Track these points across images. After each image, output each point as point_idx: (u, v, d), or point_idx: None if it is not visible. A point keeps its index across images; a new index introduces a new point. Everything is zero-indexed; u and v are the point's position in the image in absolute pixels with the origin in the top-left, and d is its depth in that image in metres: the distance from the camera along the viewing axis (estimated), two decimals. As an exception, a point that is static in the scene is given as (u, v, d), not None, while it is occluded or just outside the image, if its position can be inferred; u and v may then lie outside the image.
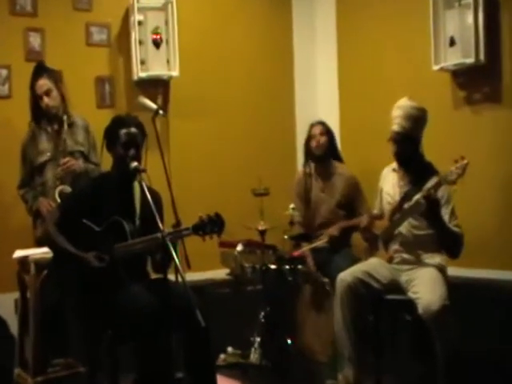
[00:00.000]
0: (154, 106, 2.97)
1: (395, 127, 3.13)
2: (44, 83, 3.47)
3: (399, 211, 3.12)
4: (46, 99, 3.45)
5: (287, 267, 3.44)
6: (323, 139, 3.87)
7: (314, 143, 3.87)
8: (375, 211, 3.41)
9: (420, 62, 3.93)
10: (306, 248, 3.64)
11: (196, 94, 4.34)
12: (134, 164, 2.68)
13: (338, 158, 4.01)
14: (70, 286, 2.67)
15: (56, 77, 3.56)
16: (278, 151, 4.63)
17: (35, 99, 3.48)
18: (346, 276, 3.06)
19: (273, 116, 4.64)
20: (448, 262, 3.13)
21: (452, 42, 3.67)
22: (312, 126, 3.95)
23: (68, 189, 3.41)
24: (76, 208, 2.73)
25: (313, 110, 4.66)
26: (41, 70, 3.52)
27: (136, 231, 2.69)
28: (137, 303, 2.51)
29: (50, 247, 2.78)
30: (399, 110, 3.14)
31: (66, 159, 3.45)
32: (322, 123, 3.94)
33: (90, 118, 3.68)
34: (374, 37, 4.31)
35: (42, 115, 3.51)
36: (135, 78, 4.08)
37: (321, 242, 3.69)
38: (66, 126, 3.48)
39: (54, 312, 3.04)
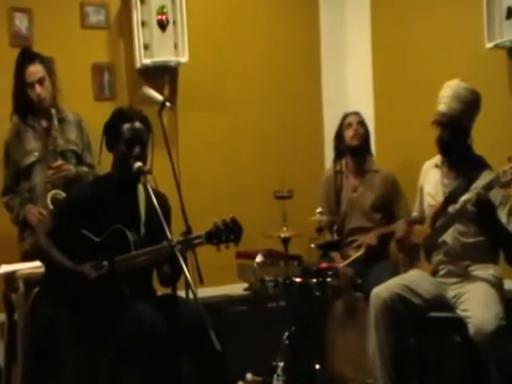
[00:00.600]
0: (159, 97, 2.96)
1: (441, 107, 3.05)
2: (37, 70, 3.45)
3: (443, 215, 3.06)
4: (38, 88, 3.42)
5: (314, 281, 3.42)
6: (361, 129, 3.88)
7: (350, 132, 3.87)
8: (414, 213, 3.36)
9: (470, 40, 3.81)
10: (343, 264, 3.64)
11: (209, 82, 4.32)
12: (138, 164, 2.68)
13: (371, 155, 4.00)
14: (64, 305, 2.66)
15: (49, 65, 3.54)
16: (304, 148, 4.60)
17: (22, 89, 3.45)
18: (381, 291, 3.03)
19: (297, 108, 4.59)
20: (504, 274, 3.06)
21: (509, 14, 3.55)
22: (347, 115, 3.94)
23: (62, 194, 3.39)
24: (71, 216, 2.72)
25: (342, 101, 4.60)
26: (30, 55, 3.49)
27: (140, 241, 2.69)
28: (141, 322, 2.50)
29: (42, 261, 2.78)
30: (448, 89, 3.06)
31: (59, 163, 3.44)
32: (358, 113, 3.95)
33: (87, 112, 3.67)
34: (414, 11, 4.21)
35: (28, 108, 3.49)
36: (138, 65, 4.07)
37: (357, 255, 3.69)
38: (55, 122, 3.46)
39: (46, 335, 2.99)
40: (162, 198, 2.80)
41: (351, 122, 3.89)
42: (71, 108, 3.64)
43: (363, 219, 3.86)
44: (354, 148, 3.87)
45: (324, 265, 3.54)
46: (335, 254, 3.79)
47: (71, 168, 3.48)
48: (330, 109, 4.62)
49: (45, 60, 3.52)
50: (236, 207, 4.06)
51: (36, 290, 3.08)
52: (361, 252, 3.69)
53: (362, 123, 3.91)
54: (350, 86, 4.69)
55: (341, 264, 3.64)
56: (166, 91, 3.11)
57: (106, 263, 2.62)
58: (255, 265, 3.57)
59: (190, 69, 4.20)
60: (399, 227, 3.35)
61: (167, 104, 2.92)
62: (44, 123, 3.50)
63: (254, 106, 4.50)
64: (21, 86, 3.47)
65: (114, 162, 2.81)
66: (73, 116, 3.61)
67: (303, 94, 4.64)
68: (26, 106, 3.49)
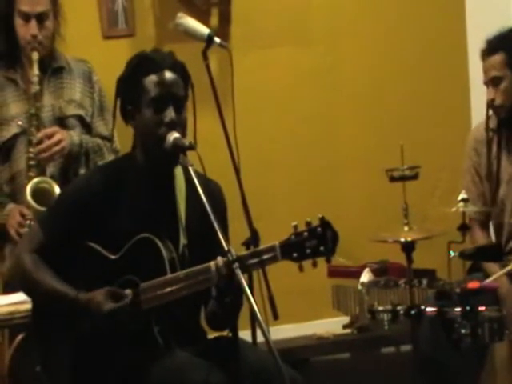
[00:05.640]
0: (204, 29, 2.99)
1: None
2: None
3: None
4: (34, 27, 3.53)
5: (458, 310, 3.41)
6: (502, 88, 3.81)
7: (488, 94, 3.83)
8: None
9: None
10: (497, 275, 3.60)
11: (281, 3, 4.37)
12: (174, 136, 2.69)
13: None
14: (63, 360, 2.72)
15: None
16: (435, 101, 4.57)
17: (4, 19, 3.56)
18: None
19: (423, 33, 4.58)
20: None
21: None
22: (483, 56, 3.89)
23: (50, 182, 3.48)
24: (73, 222, 2.75)
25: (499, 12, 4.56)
26: None
27: (180, 258, 2.72)
28: (185, 381, 2.55)
29: (27, 291, 2.83)
30: None
31: (49, 130, 3.50)
32: (502, 47, 3.86)
33: (91, 57, 3.75)
34: None
35: (9, 51, 3.61)
36: (169, -20, 4.11)
37: None
38: (35, 72, 3.50)
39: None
40: (213, 189, 2.82)
41: (485, 81, 3.84)
42: (67, 52, 3.72)
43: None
44: (501, 119, 3.83)
45: (474, 285, 3.50)
46: (493, 267, 3.74)
47: (71, 137, 3.53)
48: (478, 31, 4.54)
49: None
50: (328, 198, 4.12)
51: (20, 337, 3.16)
52: None
53: (507, 68, 3.83)
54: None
55: (494, 276, 3.59)
56: (214, 20, 3.13)
57: (128, 292, 2.66)
58: (360, 287, 3.58)
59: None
60: None
61: (216, 40, 2.94)
62: (37, 74, 3.56)
63: (355, 35, 4.50)
64: (4, 14, 3.57)
65: (135, 137, 2.83)
66: (77, 64, 3.70)
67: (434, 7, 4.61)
68: (7, 47, 3.61)
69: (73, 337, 2.73)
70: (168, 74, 2.75)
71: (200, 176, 2.68)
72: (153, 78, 2.74)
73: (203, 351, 2.72)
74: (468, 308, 3.37)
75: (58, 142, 3.51)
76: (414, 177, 3.48)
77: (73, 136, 3.57)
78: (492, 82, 3.80)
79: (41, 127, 3.53)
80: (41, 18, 3.56)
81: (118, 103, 2.82)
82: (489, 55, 3.86)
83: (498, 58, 3.84)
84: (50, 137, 3.50)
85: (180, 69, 2.79)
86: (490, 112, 3.86)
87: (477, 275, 3.71)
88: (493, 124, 3.87)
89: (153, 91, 2.73)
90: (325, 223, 2.48)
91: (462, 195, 3.53)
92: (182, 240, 2.79)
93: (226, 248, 2.50)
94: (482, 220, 3.87)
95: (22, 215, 3.48)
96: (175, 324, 2.69)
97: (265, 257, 2.53)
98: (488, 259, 3.72)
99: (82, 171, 3.61)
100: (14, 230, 3.47)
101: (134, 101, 2.76)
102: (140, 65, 2.78)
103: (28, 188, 3.46)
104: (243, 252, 2.57)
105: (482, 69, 3.90)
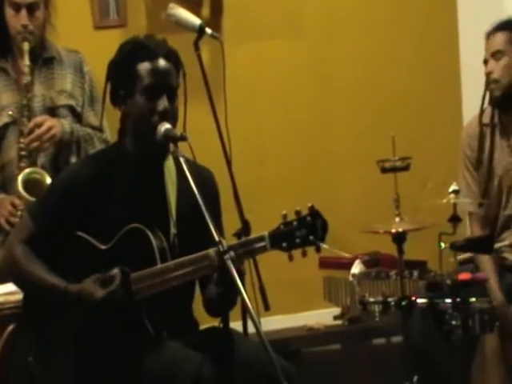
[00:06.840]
0: (195, 20, 2.99)
1: None
2: None
3: None
4: (24, 18, 3.55)
5: (448, 302, 3.41)
6: (502, 63, 3.80)
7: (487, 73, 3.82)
8: None
9: None
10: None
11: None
12: (166, 126, 2.67)
13: None
14: (54, 351, 2.72)
15: None
16: (427, 93, 4.57)
17: None
18: None
19: (415, 26, 4.57)
20: None
21: None
22: (487, 36, 3.88)
23: (42, 173, 3.49)
24: (62, 214, 2.74)
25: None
26: None
27: (171, 248, 2.70)
28: (177, 373, 2.54)
29: (18, 282, 2.84)
30: None
31: (39, 119, 3.51)
32: (508, 28, 3.86)
33: (83, 47, 3.74)
34: None
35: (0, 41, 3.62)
36: (161, -29, 4.12)
37: None
38: (26, 62, 3.51)
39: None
40: (205, 177, 2.81)
41: (486, 57, 3.82)
42: (58, 42, 3.72)
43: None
44: (495, 100, 3.81)
45: (465, 276, 3.49)
46: (485, 260, 3.75)
47: (62, 125, 3.55)
48: (470, 24, 4.57)
49: None
50: (320, 189, 4.11)
51: (11, 327, 3.14)
52: None
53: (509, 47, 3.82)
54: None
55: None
56: (206, 11, 3.12)
57: (116, 271, 2.65)
58: (351, 278, 3.58)
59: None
60: None
61: (208, 31, 2.93)
62: (27, 64, 3.57)
63: (348, 27, 4.50)
64: None
65: (124, 125, 2.82)
66: (68, 55, 3.70)
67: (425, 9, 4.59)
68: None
69: (66, 327, 2.72)
70: (162, 63, 2.73)
71: (191, 164, 2.66)
72: (147, 65, 2.72)
73: (195, 342, 2.71)
74: (459, 299, 3.36)
75: (49, 130, 3.51)
76: (406, 168, 3.46)
77: (64, 124, 3.58)
78: (493, 55, 3.78)
79: (32, 117, 3.53)
80: (31, 8, 3.57)
81: (109, 87, 2.80)
82: (494, 33, 3.85)
83: (503, 34, 3.84)
84: (39, 125, 3.51)
85: (174, 57, 2.77)
86: (485, 106, 3.85)
87: (469, 267, 3.71)
88: (486, 119, 3.86)
89: (146, 79, 2.72)
90: (314, 212, 2.46)
91: (453, 187, 3.53)
92: (173, 230, 2.78)
93: (216, 239, 2.48)
94: (482, 215, 3.85)
95: (14, 205, 3.49)
96: (167, 315, 2.68)
97: (254, 246, 2.51)
98: (478, 251, 3.72)
99: (74, 160, 3.61)
100: (4, 219, 3.48)
101: (127, 86, 2.74)
102: (134, 50, 2.76)
103: (19, 179, 3.47)
104: (235, 242, 2.54)
105: (482, 49, 3.87)
